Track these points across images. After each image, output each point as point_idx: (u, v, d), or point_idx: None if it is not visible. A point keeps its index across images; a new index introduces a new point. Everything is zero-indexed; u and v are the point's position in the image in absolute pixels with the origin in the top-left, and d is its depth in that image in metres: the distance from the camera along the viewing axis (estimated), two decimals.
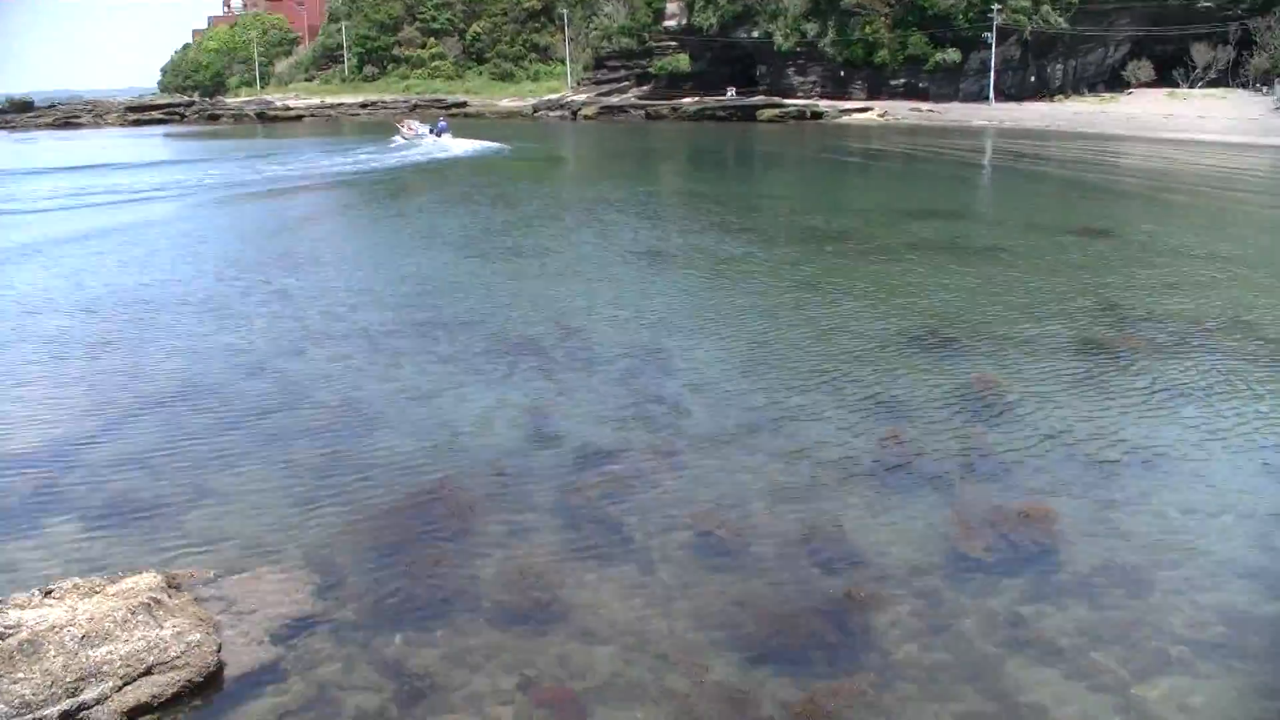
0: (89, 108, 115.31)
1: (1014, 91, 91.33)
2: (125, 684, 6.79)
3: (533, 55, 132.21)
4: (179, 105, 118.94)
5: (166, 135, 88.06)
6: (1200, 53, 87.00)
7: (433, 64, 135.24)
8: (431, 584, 8.60)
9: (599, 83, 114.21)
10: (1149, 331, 16.47)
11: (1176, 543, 9.67)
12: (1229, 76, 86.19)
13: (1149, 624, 8.33)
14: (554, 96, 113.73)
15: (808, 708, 6.99)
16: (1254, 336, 16.29)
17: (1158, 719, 7.20)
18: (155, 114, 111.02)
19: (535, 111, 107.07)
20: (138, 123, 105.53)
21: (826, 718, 6.93)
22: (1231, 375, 14.31)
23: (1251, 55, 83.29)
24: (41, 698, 6.44)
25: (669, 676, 7.41)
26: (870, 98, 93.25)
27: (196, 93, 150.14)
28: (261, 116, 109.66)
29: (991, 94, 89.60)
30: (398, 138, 67.75)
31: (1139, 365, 14.68)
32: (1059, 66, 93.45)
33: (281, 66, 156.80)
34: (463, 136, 67.14)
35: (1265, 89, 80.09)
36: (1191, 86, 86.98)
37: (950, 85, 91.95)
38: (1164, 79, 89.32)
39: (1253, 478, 11.07)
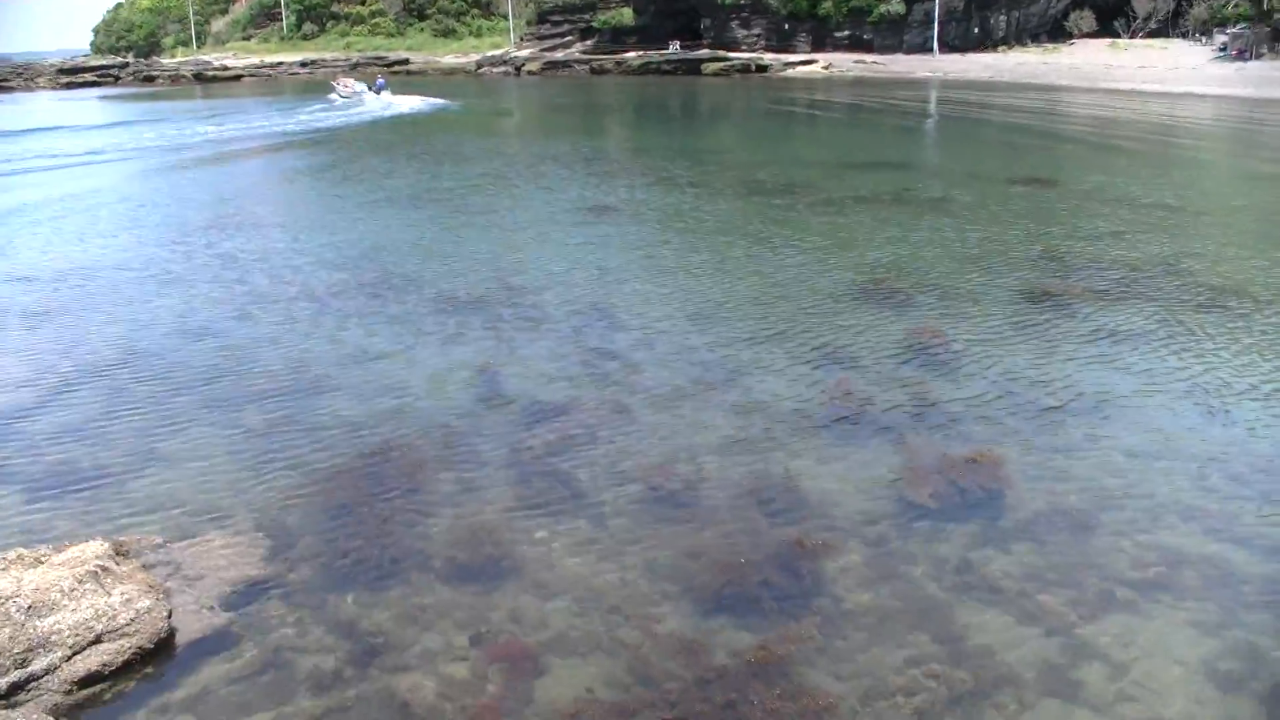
0: (19, 71, 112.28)
1: (957, 43, 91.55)
2: (74, 653, 6.73)
3: (475, 11, 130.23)
4: (113, 67, 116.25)
5: (101, 98, 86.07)
6: (1141, 2, 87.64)
7: (373, 21, 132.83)
8: (383, 544, 8.58)
9: (542, 38, 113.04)
10: (1093, 280, 16.68)
11: (1120, 485, 9.86)
12: (1169, 27, 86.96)
13: (1094, 566, 8.50)
14: (497, 53, 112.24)
15: (760, 655, 7.07)
16: (1194, 283, 16.56)
17: (1103, 658, 7.38)
18: (88, 76, 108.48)
19: (478, 68, 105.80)
20: (70, 85, 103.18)
21: (779, 664, 7.01)
22: (1173, 321, 14.55)
23: (1191, 5, 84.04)
24: None
25: (622, 628, 7.47)
26: (814, 50, 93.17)
27: (130, 54, 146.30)
28: (199, 77, 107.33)
29: (935, 45, 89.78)
30: (333, 95, 66.37)
31: (1083, 313, 14.88)
32: (1002, 17, 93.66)
33: (218, 25, 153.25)
34: (405, 94, 66.21)
35: (1204, 39, 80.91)
36: (1132, 37, 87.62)
37: (894, 37, 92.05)
38: (1105, 29, 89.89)
39: (1193, 421, 11.29)
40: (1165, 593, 8.19)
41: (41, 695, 6.49)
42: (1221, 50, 74.75)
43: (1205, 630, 7.74)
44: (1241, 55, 71.89)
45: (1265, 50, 71.60)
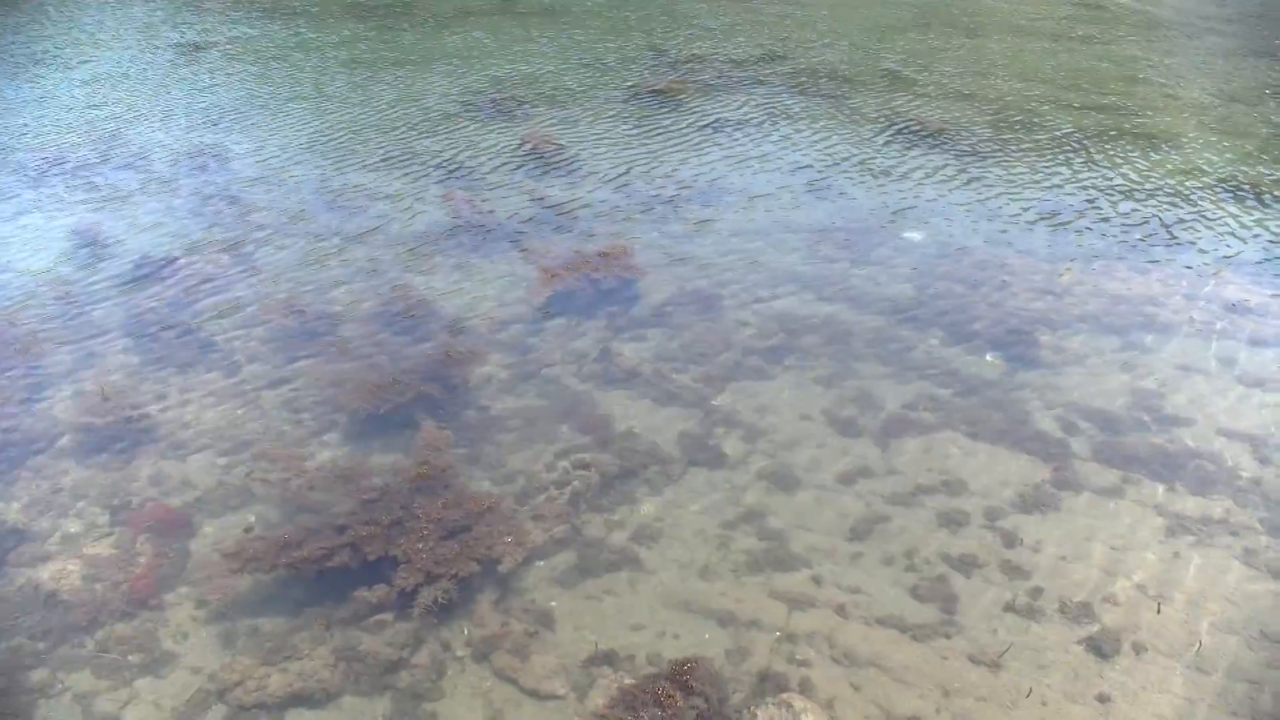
0: None
1: None
2: None
3: None
4: None
5: None
6: None
7: None
8: (1, 430, 7.87)
9: None
10: (701, 74, 17.31)
11: (741, 262, 10.53)
12: None
13: (722, 340, 9.11)
14: None
15: (420, 470, 7.16)
16: (794, 69, 17.57)
17: (737, 423, 8.01)
18: None
19: None
20: None
21: (440, 477, 7.13)
22: (776, 106, 15.44)
23: None
24: None
25: (273, 471, 7.31)
26: None
27: None
28: None
29: None
30: None
31: (694, 107, 15.48)
32: None
33: None
34: None
35: None
36: None
37: None
38: None
39: (801, 196, 12.15)
40: (788, 355, 8.93)
41: None
42: None
43: (825, 384, 8.54)
44: None
45: None
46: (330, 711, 5.61)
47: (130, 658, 5.96)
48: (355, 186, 12.58)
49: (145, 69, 19.23)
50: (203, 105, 16.29)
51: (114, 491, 7.21)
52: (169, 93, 17.26)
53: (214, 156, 13.73)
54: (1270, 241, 11.14)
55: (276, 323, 9.31)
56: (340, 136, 14.53)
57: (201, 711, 5.59)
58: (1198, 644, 5.91)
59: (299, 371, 8.57)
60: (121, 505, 7.07)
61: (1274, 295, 9.98)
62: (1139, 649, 5.90)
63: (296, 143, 14.31)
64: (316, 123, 15.21)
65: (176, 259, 10.64)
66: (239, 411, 8.05)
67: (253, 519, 6.94)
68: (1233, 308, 9.71)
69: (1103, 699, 5.58)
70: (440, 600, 6.10)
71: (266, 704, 5.60)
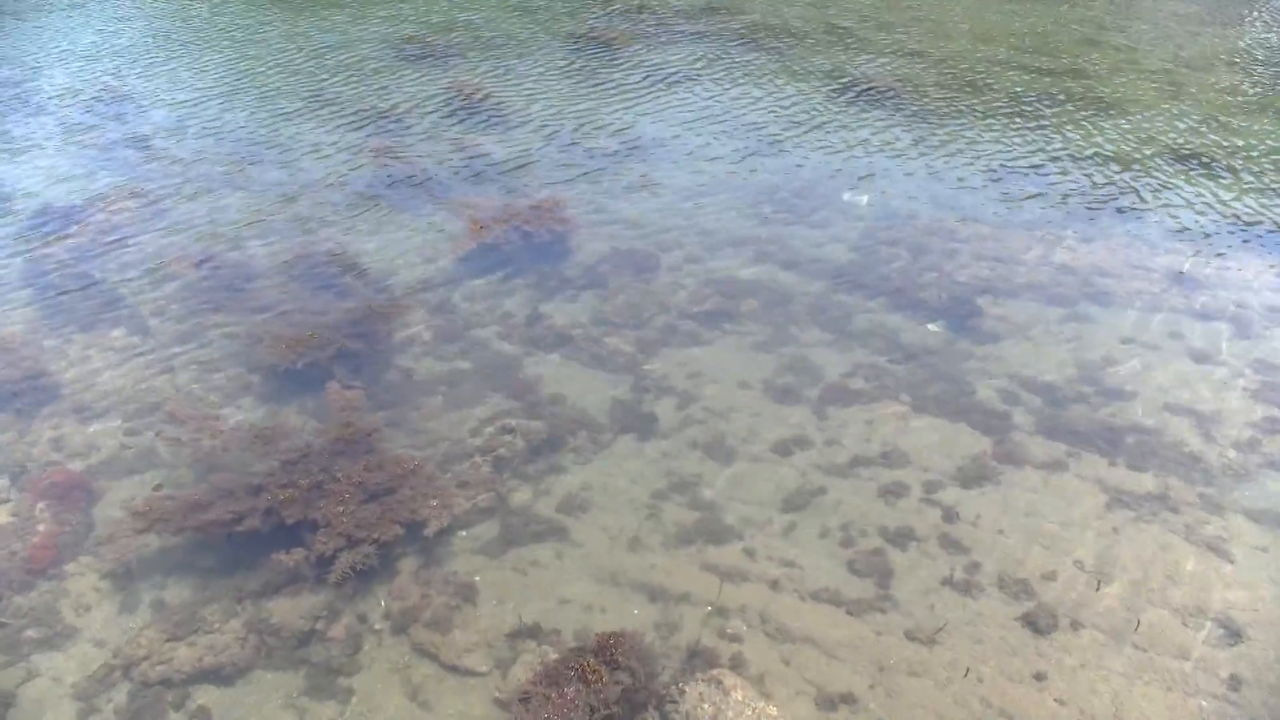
0: None
1: None
2: None
3: None
4: None
5: None
6: None
7: None
8: None
9: None
10: (640, 24, 16.96)
11: (678, 223, 10.25)
12: None
13: (656, 303, 8.84)
14: None
15: (342, 432, 6.85)
16: (738, 22, 17.23)
17: (670, 390, 7.76)
18: None
19: None
20: None
21: (364, 439, 6.83)
22: (718, 61, 15.13)
23: None
24: None
25: (184, 435, 6.96)
26: None
27: None
28: None
29: None
30: None
31: (632, 58, 15.15)
32: None
33: None
34: None
35: None
36: None
37: None
38: None
39: (741, 154, 11.88)
40: (725, 320, 8.67)
41: None
42: None
43: (763, 350, 8.29)
44: None
45: None
46: (240, 687, 5.35)
47: (28, 632, 5.65)
48: (278, 135, 12.14)
49: (57, 5, 18.44)
50: (120, 46, 15.65)
51: (11, 455, 6.83)
52: (83, 33, 16.57)
53: (122, 97, 13.19)
54: (1221, 213, 11.04)
55: (189, 277, 8.89)
56: (265, 83, 14.05)
57: (105, 688, 5.32)
58: (1136, 621, 5.78)
59: (212, 328, 8.19)
60: (19, 470, 6.69)
61: (1223, 268, 9.87)
62: (1077, 626, 5.77)
63: (219, 89, 13.80)
64: (241, 68, 14.69)
65: (79, 208, 10.15)
66: (147, 370, 7.66)
67: (159, 479, 6.60)
68: (1181, 279, 9.59)
69: (1039, 676, 5.44)
70: (360, 566, 5.82)
71: (173, 680, 5.33)
